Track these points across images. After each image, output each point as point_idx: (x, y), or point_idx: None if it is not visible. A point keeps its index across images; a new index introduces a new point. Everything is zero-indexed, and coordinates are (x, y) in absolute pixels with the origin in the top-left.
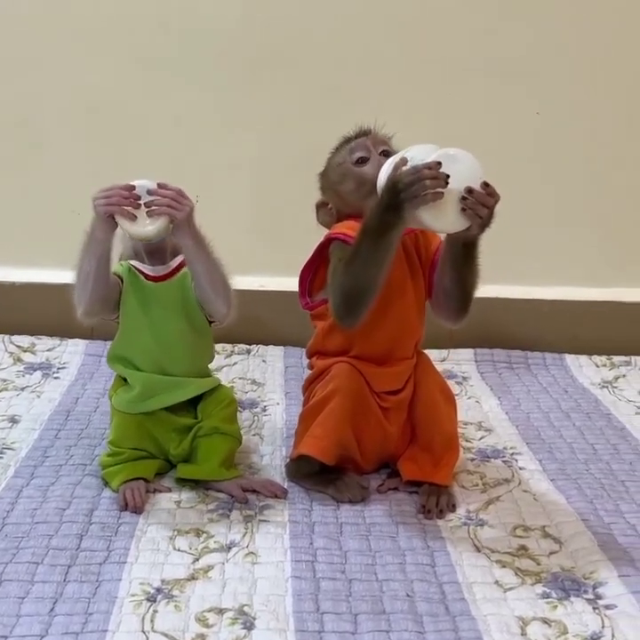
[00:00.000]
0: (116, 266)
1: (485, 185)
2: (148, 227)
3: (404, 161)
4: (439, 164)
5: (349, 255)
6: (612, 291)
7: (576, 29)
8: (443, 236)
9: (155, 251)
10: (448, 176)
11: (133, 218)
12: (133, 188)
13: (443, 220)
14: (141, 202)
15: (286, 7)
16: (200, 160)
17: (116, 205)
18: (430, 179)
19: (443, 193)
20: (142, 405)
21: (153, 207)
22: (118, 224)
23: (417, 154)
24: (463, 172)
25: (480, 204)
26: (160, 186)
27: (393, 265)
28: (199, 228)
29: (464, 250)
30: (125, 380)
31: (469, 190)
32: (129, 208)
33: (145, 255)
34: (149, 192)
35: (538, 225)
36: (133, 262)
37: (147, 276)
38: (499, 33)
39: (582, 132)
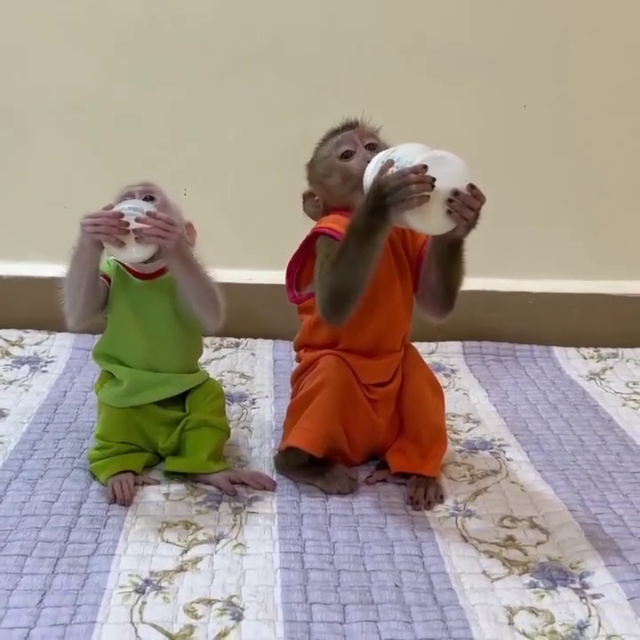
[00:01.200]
0: (103, 265)
1: (471, 187)
2: (135, 254)
3: (390, 163)
4: (425, 167)
5: (336, 255)
6: (599, 283)
7: (564, 22)
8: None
9: None
10: (434, 179)
11: (122, 245)
12: (121, 215)
13: (428, 222)
14: (129, 228)
15: (272, 0)
16: (187, 153)
17: (104, 234)
18: (416, 183)
19: (428, 196)
20: (130, 399)
21: (142, 237)
22: (108, 250)
23: (404, 154)
24: (449, 174)
25: (466, 206)
26: (149, 214)
27: (380, 261)
28: (189, 251)
29: (450, 249)
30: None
31: (455, 192)
32: (117, 235)
33: None
34: (138, 220)
35: (525, 218)
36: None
37: (135, 274)
38: (486, 26)
39: (569, 125)
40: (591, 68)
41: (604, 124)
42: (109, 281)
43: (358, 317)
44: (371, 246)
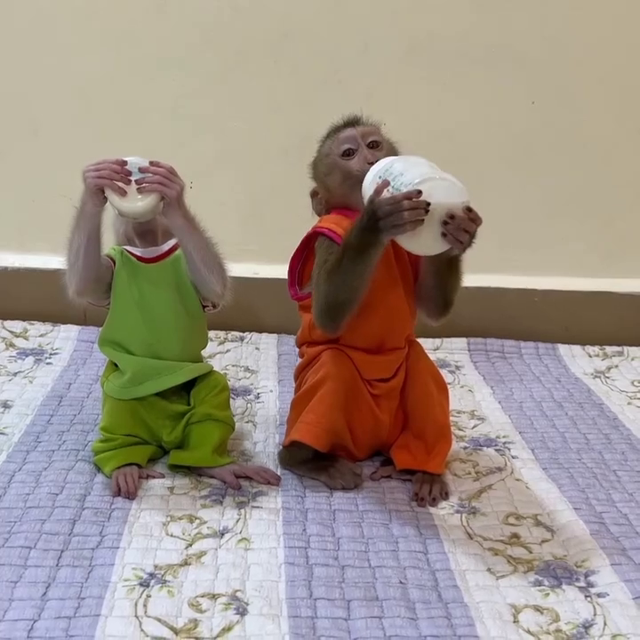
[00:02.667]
0: (108, 249)
1: (468, 210)
2: (137, 203)
3: (385, 183)
4: (419, 192)
5: (331, 265)
6: (604, 281)
7: (572, 18)
8: None
9: (146, 233)
10: (428, 203)
11: (123, 193)
12: (125, 162)
13: (421, 243)
14: (132, 178)
15: None
16: (193, 147)
17: (107, 179)
18: (409, 209)
19: (422, 220)
20: (134, 391)
21: (144, 184)
22: (110, 201)
23: (400, 173)
24: (445, 196)
25: (461, 229)
26: (152, 163)
27: (381, 264)
28: (189, 208)
29: (446, 264)
30: (116, 365)
31: (451, 216)
32: (119, 183)
33: (136, 238)
34: (141, 169)
35: (531, 215)
36: (126, 247)
37: (139, 259)
38: (493, 23)
39: (576, 122)
40: (599, 64)
41: (611, 121)
42: (114, 264)
43: (359, 321)
44: (365, 261)
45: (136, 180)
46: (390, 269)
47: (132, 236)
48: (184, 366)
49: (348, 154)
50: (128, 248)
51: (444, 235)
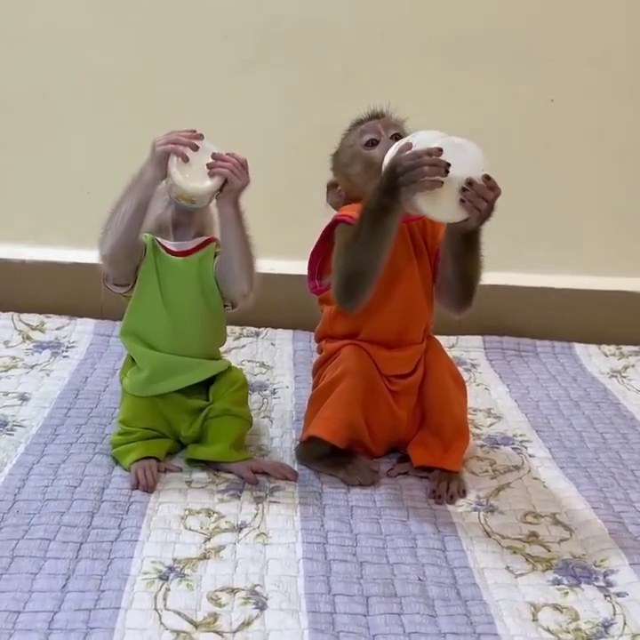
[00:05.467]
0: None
1: (487, 178)
2: (205, 182)
3: (408, 145)
4: (440, 150)
5: (350, 238)
6: (622, 280)
7: (592, 17)
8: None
9: (181, 225)
10: (449, 164)
11: (186, 159)
12: (196, 133)
13: (440, 208)
14: (202, 159)
15: None
16: (211, 139)
17: (177, 143)
18: (430, 165)
19: (441, 181)
20: (152, 388)
21: (215, 168)
22: (171, 175)
23: (422, 140)
24: (465, 162)
25: (480, 196)
26: (228, 154)
27: (397, 248)
28: (242, 206)
29: (464, 241)
30: (134, 360)
31: (470, 182)
32: (186, 150)
33: (170, 228)
34: (214, 155)
35: (549, 213)
36: (157, 237)
37: (168, 251)
38: (515, 19)
39: (595, 120)
40: (618, 62)
41: (631, 120)
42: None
43: (376, 304)
44: (383, 229)
45: (208, 165)
46: (407, 255)
47: (166, 225)
48: (202, 364)
49: (372, 144)
50: (159, 238)
51: (462, 201)
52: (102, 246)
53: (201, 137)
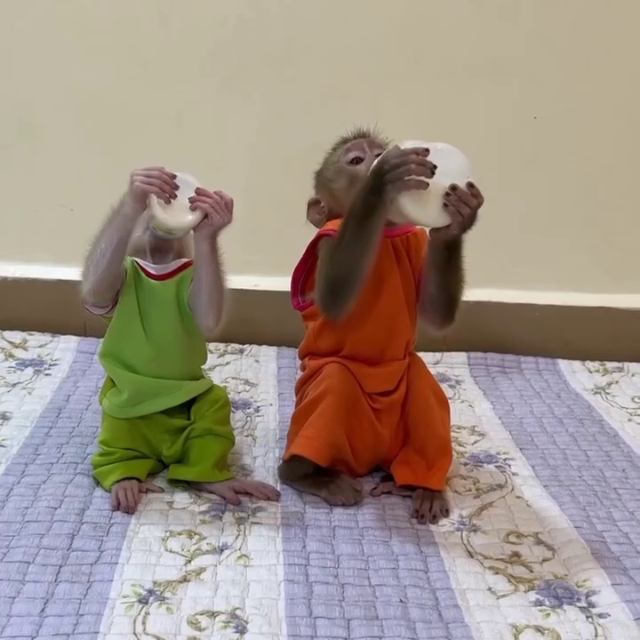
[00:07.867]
0: None
1: (470, 185)
2: (181, 218)
3: (396, 148)
4: (428, 151)
5: (334, 243)
6: (605, 297)
7: (575, 34)
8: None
9: (160, 249)
10: (435, 166)
11: (168, 202)
12: (174, 176)
13: (423, 211)
14: (180, 194)
15: (283, 7)
16: (195, 158)
17: (156, 186)
18: (416, 164)
19: (426, 183)
20: (132, 410)
21: (197, 202)
22: (152, 209)
23: (409, 144)
24: (450, 167)
25: (463, 202)
26: (216, 193)
27: (380, 261)
28: (219, 243)
29: (446, 252)
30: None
31: (454, 187)
32: (166, 194)
33: (149, 252)
34: (198, 191)
35: (532, 229)
36: (136, 259)
37: (148, 274)
38: (497, 36)
39: (579, 137)
40: (601, 79)
41: (613, 135)
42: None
43: (360, 316)
44: (368, 230)
45: (190, 199)
46: (391, 273)
47: (143, 249)
48: (183, 386)
49: (356, 162)
50: (138, 261)
51: (445, 206)
52: (85, 281)
53: (175, 177)
